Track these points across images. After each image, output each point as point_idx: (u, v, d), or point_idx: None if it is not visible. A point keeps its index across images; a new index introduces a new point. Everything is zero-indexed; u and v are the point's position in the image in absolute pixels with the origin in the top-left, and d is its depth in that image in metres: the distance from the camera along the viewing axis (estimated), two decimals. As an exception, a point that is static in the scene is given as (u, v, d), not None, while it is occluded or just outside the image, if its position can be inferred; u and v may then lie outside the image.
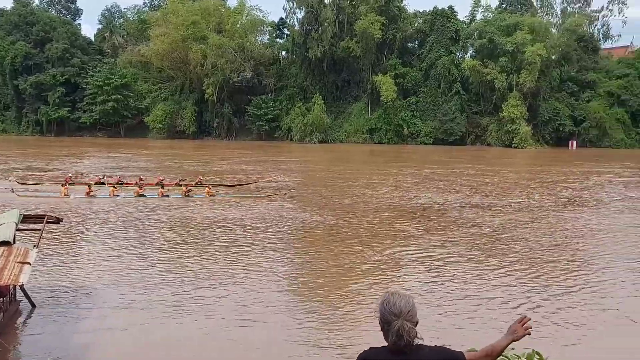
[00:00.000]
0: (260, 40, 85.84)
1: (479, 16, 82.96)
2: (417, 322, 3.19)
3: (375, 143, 74.04)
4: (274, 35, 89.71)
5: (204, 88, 77.57)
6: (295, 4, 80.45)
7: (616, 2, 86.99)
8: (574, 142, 73.12)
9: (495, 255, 16.64)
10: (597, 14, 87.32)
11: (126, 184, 29.13)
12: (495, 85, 70.78)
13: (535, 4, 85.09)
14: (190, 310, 11.52)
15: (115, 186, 27.50)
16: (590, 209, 26.02)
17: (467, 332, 10.66)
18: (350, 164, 49.13)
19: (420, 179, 35.54)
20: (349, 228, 20.48)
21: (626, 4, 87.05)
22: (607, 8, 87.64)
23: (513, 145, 69.27)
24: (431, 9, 79.79)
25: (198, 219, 21.90)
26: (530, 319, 3.38)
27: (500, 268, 15.24)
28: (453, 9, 78.61)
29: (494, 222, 21.72)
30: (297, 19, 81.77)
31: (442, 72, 74.17)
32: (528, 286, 13.70)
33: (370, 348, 3.30)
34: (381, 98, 73.06)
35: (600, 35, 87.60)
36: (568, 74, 77.05)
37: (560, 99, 75.44)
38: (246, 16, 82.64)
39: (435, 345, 3.29)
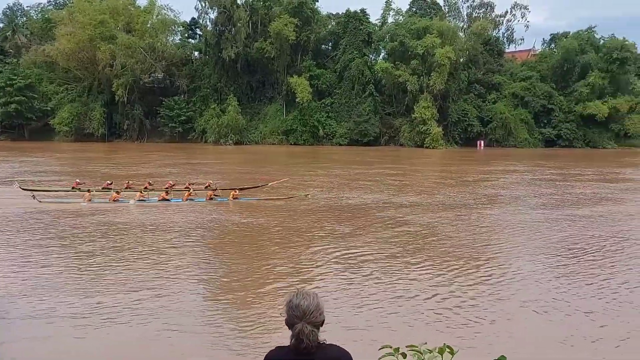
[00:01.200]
0: (171, 41, 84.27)
1: (390, 19, 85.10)
2: (322, 321, 3.25)
3: (291, 144, 74.12)
4: (186, 35, 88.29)
5: (113, 89, 75.21)
6: (207, 4, 79.25)
7: (519, 7, 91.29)
8: (482, 142, 75.93)
9: (421, 252, 16.87)
10: (502, 19, 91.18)
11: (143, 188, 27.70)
12: (407, 87, 72.44)
13: (443, 8, 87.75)
14: (101, 318, 11.02)
15: (142, 191, 26.39)
16: (509, 205, 27.00)
17: (384, 329, 10.78)
18: (276, 165, 48.66)
19: (346, 179, 35.72)
20: (280, 229, 20.31)
21: (528, 10, 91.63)
22: (510, 13, 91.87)
23: (425, 145, 71.12)
24: (344, 12, 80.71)
25: (127, 224, 21.09)
26: None
27: (423, 264, 15.51)
28: (365, 12, 79.81)
29: (421, 221, 22.10)
30: (209, 19, 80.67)
31: (355, 74, 75.17)
32: (447, 281, 14.01)
33: (277, 348, 3.35)
34: (296, 99, 73.30)
35: (505, 39, 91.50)
36: (475, 76, 79.88)
37: (469, 101, 78.12)
38: (157, 16, 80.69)
39: (341, 347, 3.33)
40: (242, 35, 75.56)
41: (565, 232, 20.42)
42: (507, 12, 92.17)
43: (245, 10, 76.61)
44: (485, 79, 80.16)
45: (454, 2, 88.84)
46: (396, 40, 74.54)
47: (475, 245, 18.09)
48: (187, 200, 26.09)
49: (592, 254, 17.14)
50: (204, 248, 17.78)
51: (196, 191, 27.49)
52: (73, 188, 27.70)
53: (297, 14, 75.71)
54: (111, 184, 28.77)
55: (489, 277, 14.54)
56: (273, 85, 79.73)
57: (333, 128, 75.62)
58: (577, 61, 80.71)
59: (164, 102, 77.22)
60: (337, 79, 77.52)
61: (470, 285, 13.82)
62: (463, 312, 11.81)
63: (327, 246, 17.72)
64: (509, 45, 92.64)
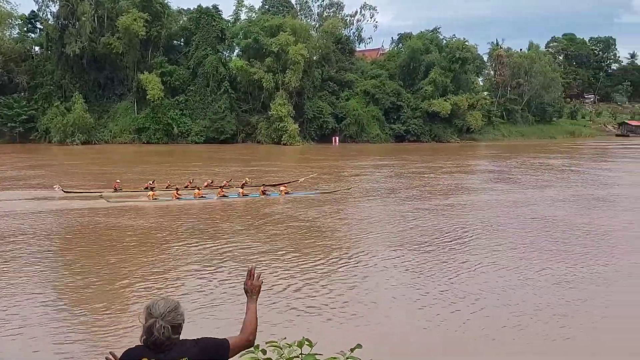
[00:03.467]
0: (8, 35, 77.99)
1: (243, 16, 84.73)
2: (180, 324, 3.33)
3: (143, 143, 71.31)
4: (25, 29, 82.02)
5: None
6: (48, -5, 74.21)
7: (368, 8, 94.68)
8: (336, 138, 77.74)
9: (305, 246, 17.15)
10: (352, 19, 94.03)
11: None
12: (263, 85, 72.39)
13: (295, 6, 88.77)
14: None
15: (200, 189, 27.65)
16: (386, 198, 28.16)
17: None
18: (144, 165, 45.89)
19: (225, 177, 34.72)
20: (165, 231, 19.52)
21: (377, 11, 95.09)
22: (360, 13, 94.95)
23: (282, 142, 71.44)
24: (196, 7, 79.06)
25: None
26: (254, 267, 3.67)
27: (301, 257, 15.61)
28: (217, 8, 78.91)
29: (307, 216, 22.33)
30: (51, 12, 75.46)
31: (209, 70, 73.91)
32: (316, 273, 14.11)
33: (136, 346, 3.35)
34: (147, 97, 70.71)
35: (355, 38, 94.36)
36: (329, 74, 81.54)
37: (323, 98, 79.58)
38: (-10, 8, 74.38)
39: (199, 338, 3.43)
40: (87, 30, 71.55)
41: (430, 222, 21.47)
42: (356, 12, 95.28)
43: (90, 4, 72.48)
44: (338, 76, 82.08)
45: (304, 0, 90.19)
46: (250, 38, 74.33)
47: (350, 238, 18.52)
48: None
49: (456, 242, 18.06)
50: (81, 251, 16.65)
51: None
52: None
53: (146, 9, 73.00)
54: (153, 182, 28.70)
55: (355, 268, 14.89)
56: (123, 82, 76.35)
57: (188, 126, 73.85)
58: (422, 60, 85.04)
59: (1, 101, 71.37)
60: (190, 75, 75.76)
61: (335, 277, 14.02)
62: (327, 304, 11.98)
63: (204, 245, 17.18)
64: (359, 44, 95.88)
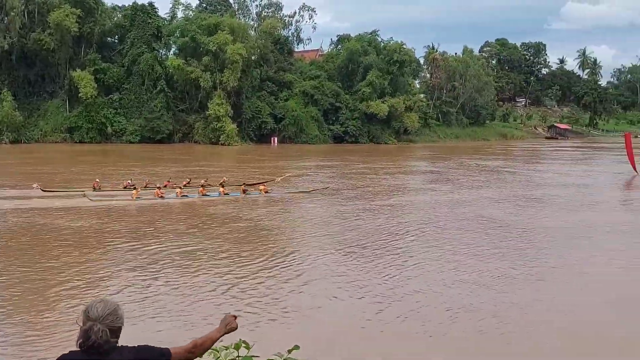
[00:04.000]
0: None
1: (179, 14, 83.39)
2: (119, 327, 3.18)
3: (76, 142, 69.09)
4: (-51, 23, 78.30)
5: None
6: (-26, -12, 71.05)
7: (306, 9, 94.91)
8: (275, 139, 77.50)
9: (245, 247, 17.09)
10: (290, 19, 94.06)
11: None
12: (200, 84, 71.47)
13: (233, 5, 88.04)
14: None
15: (181, 187, 28.56)
16: (329, 198, 28.28)
17: (174, 324, 10.41)
18: (82, 165, 44.06)
19: (166, 177, 33.86)
20: (104, 233, 19.00)
21: (315, 12, 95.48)
22: (298, 14, 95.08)
23: (220, 142, 70.67)
24: (131, 4, 77.29)
25: None
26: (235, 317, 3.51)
27: (241, 256, 15.45)
28: (153, 5, 77.26)
29: (250, 215, 22.33)
30: (-23, 6, 72.29)
31: (145, 69, 72.33)
32: (255, 274, 14.00)
33: (71, 352, 3.19)
34: (80, 95, 68.65)
35: (294, 39, 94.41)
36: (267, 74, 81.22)
37: (262, 98, 79.20)
38: None
39: (139, 345, 3.28)
40: (16, 25, 69.00)
41: (371, 223, 21.65)
42: (295, 12, 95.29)
43: (20, -2, 69.89)
44: (277, 77, 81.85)
45: (243, 0, 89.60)
46: (187, 36, 73.34)
47: (292, 239, 18.57)
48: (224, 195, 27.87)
49: (395, 242, 18.29)
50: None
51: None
52: None
53: (79, 4, 70.82)
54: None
55: (295, 268, 14.89)
56: (54, 80, 73.86)
57: (122, 125, 72.03)
58: (360, 62, 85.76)
59: None
60: (125, 74, 73.93)
61: (274, 277, 13.95)
62: (265, 305, 11.89)
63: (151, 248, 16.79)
64: (298, 45, 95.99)
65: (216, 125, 71.44)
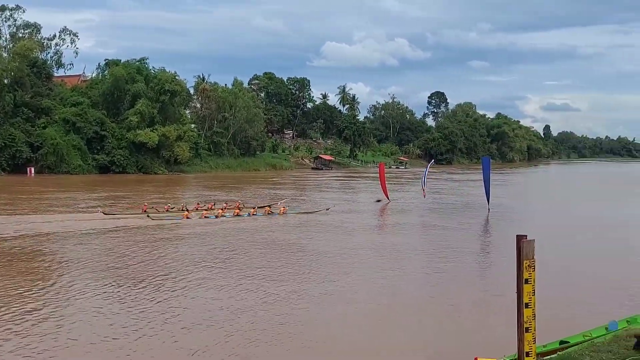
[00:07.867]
0: None
1: None
2: None
3: None
4: None
5: None
6: None
7: (68, 32, 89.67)
8: (32, 169, 71.43)
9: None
10: (50, 42, 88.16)
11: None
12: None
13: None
14: None
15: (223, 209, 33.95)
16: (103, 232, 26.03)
17: None
18: None
19: None
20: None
21: (78, 36, 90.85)
22: (59, 37, 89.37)
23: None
24: None
25: None
26: None
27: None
28: None
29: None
30: None
31: None
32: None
33: None
34: None
35: (54, 63, 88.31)
36: (23, 100, 74.67)
37: (16, 125, 72.61)
38: None
39: None
40: None
41: (149, 255, 20.61)
42: (55, 35, 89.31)
43: None
44: (33, 102, 75.56)
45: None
46: None
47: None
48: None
49: (173, 274, 17.64)
50: None
51: None
52: None
53: None
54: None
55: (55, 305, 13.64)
56: None
57: None
58: (127, 89, 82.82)
59: None
60: None
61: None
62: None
63: None
64: (58, 70, 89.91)
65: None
